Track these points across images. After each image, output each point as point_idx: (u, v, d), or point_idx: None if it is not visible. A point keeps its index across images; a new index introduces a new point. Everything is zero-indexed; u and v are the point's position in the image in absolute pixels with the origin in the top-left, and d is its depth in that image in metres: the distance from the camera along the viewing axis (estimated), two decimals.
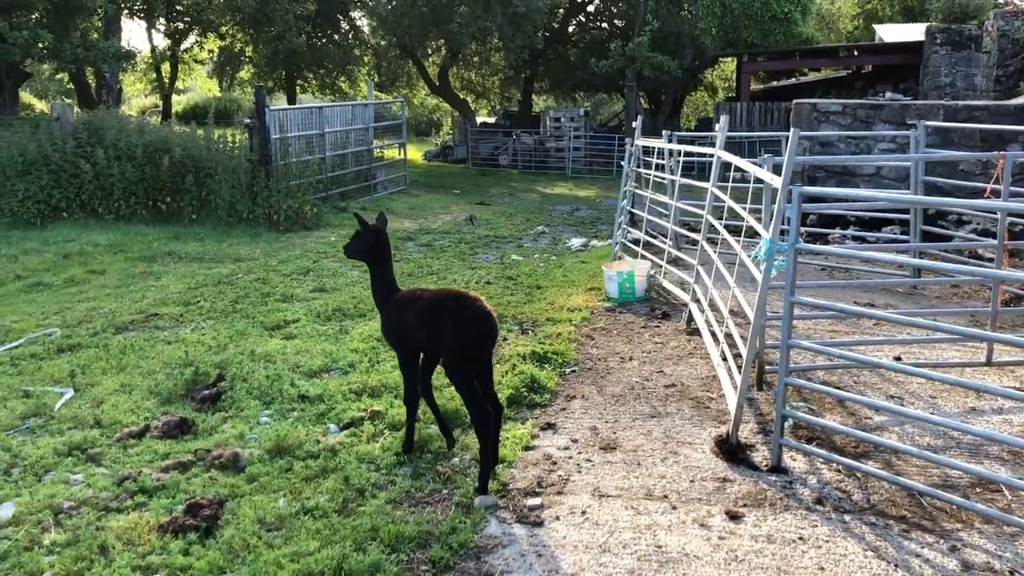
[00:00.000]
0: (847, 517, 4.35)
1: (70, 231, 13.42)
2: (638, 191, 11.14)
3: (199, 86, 50.64)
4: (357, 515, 4.42)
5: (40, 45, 16.91)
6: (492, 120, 39.98)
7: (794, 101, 12.98)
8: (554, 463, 5.08)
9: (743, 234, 6.55)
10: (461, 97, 36.41)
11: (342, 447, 5.26)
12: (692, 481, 4.80)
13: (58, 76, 37.98)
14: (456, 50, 30.93)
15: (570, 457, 5.17)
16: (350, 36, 35.38)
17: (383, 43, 33.92)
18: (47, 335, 8.12)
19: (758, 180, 5.95)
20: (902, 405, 5.83)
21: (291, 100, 36.16)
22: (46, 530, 4.33)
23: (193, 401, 6.12)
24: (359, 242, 5.23)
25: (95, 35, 23.43)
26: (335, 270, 11.06)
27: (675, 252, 9.61)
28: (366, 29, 35.68)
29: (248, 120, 15.44)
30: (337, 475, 4.86)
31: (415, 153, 32.81)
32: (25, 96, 43.83)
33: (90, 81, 30.50)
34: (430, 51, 34.30)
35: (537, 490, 4.73)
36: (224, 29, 33.29)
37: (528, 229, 15.52)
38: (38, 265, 11.45)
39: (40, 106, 40.99)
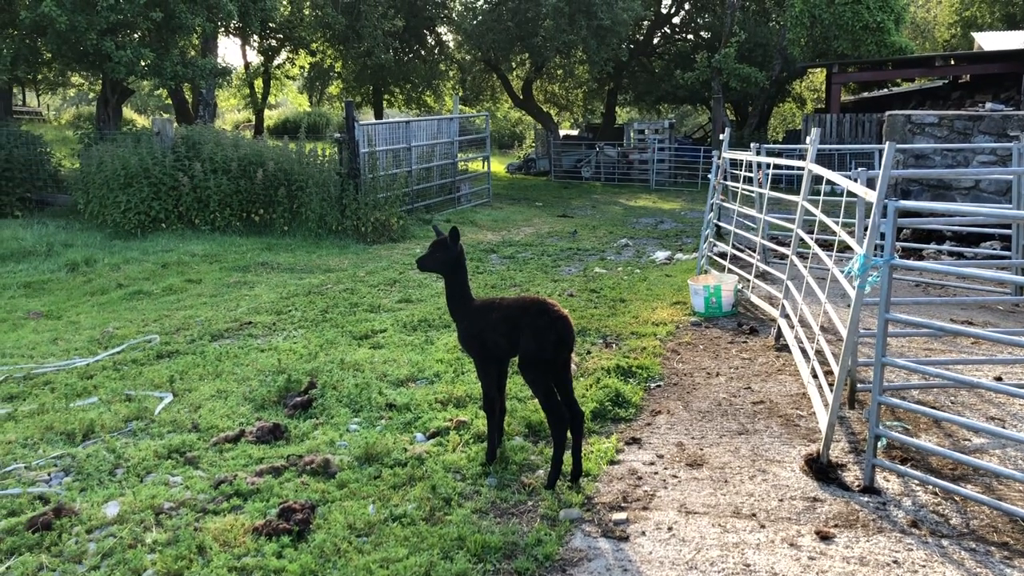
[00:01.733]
0: (944, 542, 4.21)
1: (168, 241, 13.95)
2: (725, 204, 11.02)
3: (290, 101, 52.08)
4: (444, 524, 4.47)
5: (142, 63, 17.65)
6: (575, 132, 40.02)
7: (887, 113, 12.66)
8: (639, 478, 5.06)
9: (834, 248, 6.41)
10: (544, 110, 36.55)
11: (429, 456, 5.33)
12: (781, 500, 4.71)
13: (157, 92, 39.52)
14: (540, 64, 31.09)
15: (656, 472, 5.13)
16: (436, 51, 35.91)
17: (468, 58, 34.36)
18: (147, 341, 8.45)
19: (850, 193, 5.83)
20: (1003, 427, 5.62)
21: (378, 114, 36.89)
22: (148, 529, 4.50)
23: (285, 407, 6.30)
24: (442, 253, 5.24)
25: (193, 53, 24.31)
26: (420, 281, 11.23)
27: (763, 266, 9.46)
28: (452, 44, 36.19)
29: (338, 134, 15.84)
30: (424, 484, 4.93)
31: (498, 166, 33.06)
32: (126, 111, 45.74)
33: (187, 96, 31.67)
34: (514, 65, 34.56)
35: (622, 505, 4.71)
36: (315, 46, 34.18)
37: (611, 242, 15.48)
38: (138, 274, 11.94)
39: (141, 121, 42.68)
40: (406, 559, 4.05)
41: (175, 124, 19.54)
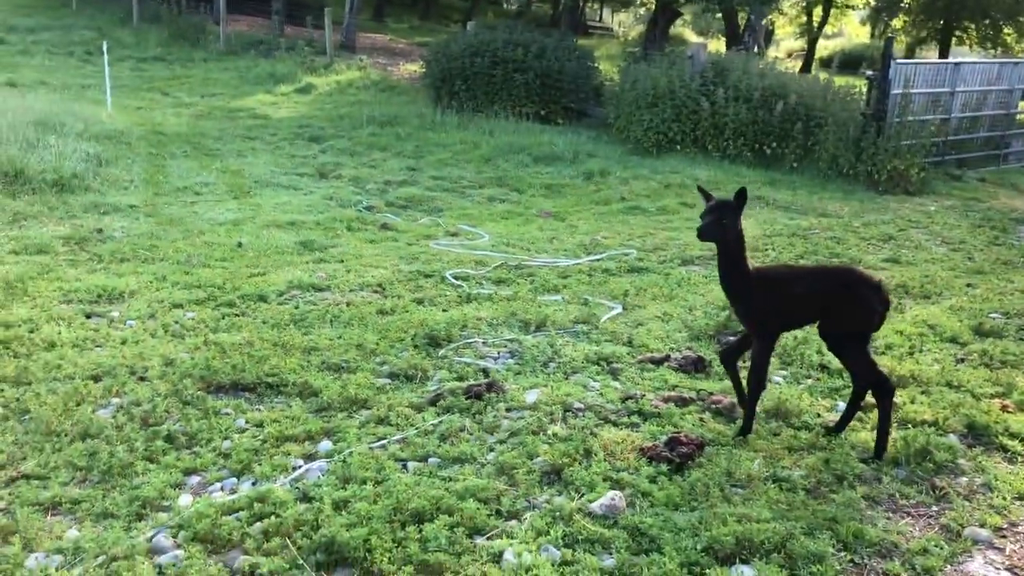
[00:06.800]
0: None
1: (677, 163, 14.52)
2: None
3: (848, 32, 49.61)
4: (825, 500, 4.24)
5: None
6: None
7: None
8: None
9: None
10: None
11: (844, 431, 5.02)
12: None
13: (718, 15, 40.39)
14: None
15: None
16: None
17: None
18: (625, 255, 9.05)
19: None
20: None
21: (943, 52, 33.51)
22: (554, 422, 4.98)
23: (717, 344, 6.36)
24: (730, 219, 4.55)
25: None
26: (919, 243, 10.25)
27: None
28: None
29: (870, 72, 14.82)
30: (822, 455, 4.68)
31: None
32: (688, 33, 47.80)
33: (741, 21, 31.94)
34: None
35: None
36: None
37: None
38: (641, 191, 12.69)
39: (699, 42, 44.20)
40: (766, 522, 3.93)
41: (717, 51, 19.99)
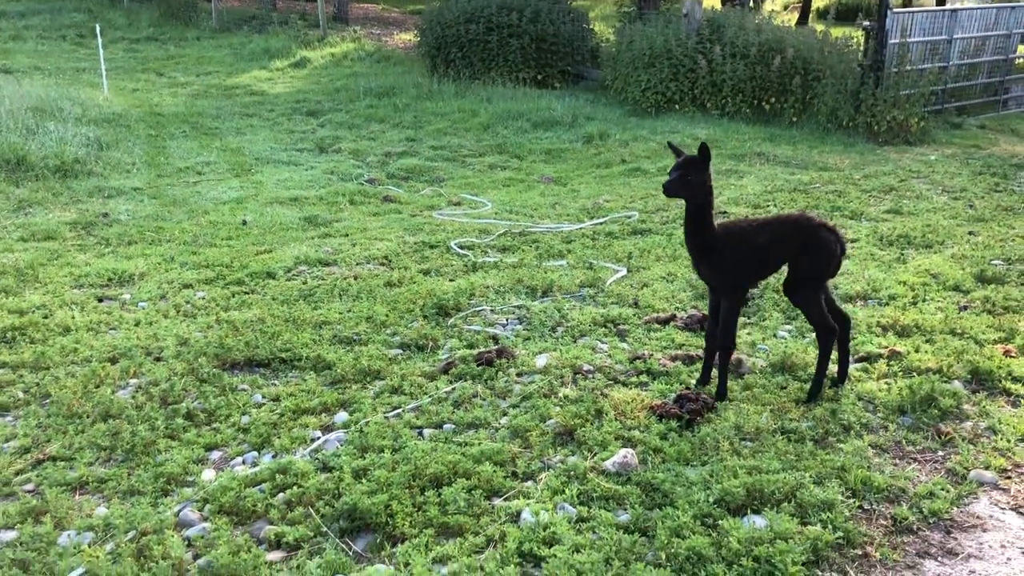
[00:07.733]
0: None
1: (677, 123, 14.49)
2: None
3: None
4: (832, 450, 4.33)
5: None
6: None
7: None
8: None
9: None
10: None
11: (848, 381, 5.10)
12: None
13: None
14: None
15: None
16: None
17: None
18: (627, 217, 9.09)
19: None
20: None
21: None
22: (564, 385, 5.07)
23: None
24: (696, 175, 4.50)
25: None
26: (920, 192, 10.27)
27: None
28: None
29: (867, 23, 14.69)
30: (828, 406, 4.77)
31: None
32: None
33: None
34: None
35: None
36: None
37: None
38: (641, 152, 12.69)
39: None
40: (776, 473, 4.02)
41: (713, 7, 19.80)
